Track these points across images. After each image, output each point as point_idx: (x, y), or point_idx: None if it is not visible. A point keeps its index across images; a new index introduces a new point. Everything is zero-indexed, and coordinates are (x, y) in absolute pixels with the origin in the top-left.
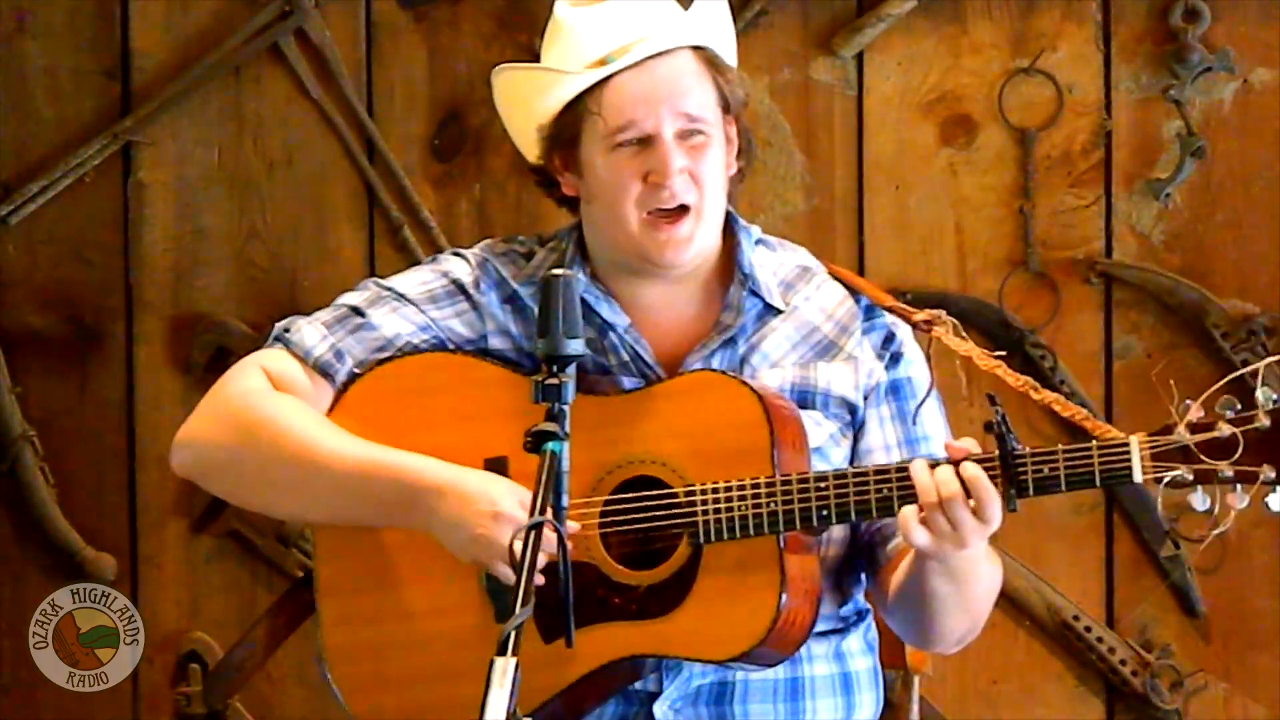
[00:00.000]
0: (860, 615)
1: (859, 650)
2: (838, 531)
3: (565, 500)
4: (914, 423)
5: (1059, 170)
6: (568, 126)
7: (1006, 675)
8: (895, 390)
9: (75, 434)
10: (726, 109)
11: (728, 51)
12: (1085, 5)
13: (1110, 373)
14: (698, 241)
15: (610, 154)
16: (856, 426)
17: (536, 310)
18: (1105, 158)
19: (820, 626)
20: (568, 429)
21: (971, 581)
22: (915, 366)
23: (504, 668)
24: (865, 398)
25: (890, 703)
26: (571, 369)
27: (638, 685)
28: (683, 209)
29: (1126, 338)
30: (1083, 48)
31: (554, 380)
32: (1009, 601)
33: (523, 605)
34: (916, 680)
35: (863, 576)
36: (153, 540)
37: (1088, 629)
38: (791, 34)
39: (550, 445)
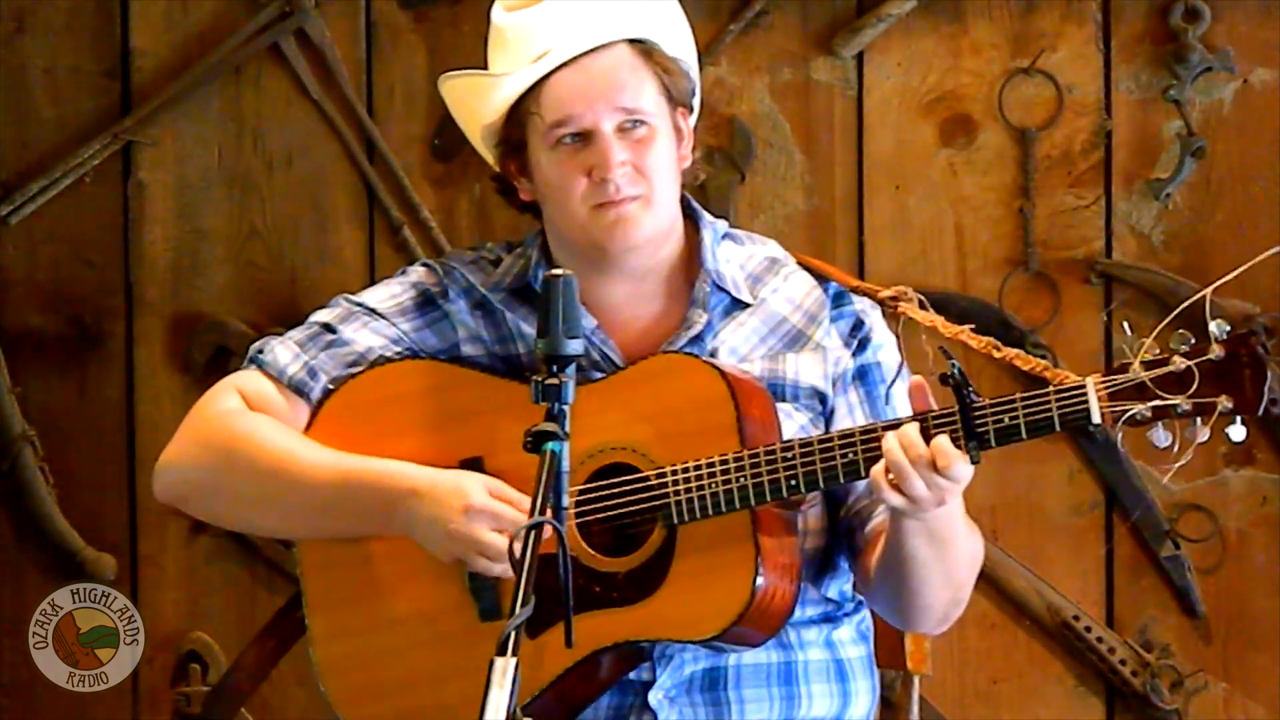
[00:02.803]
0: (856, 605)
1: (850, 639)
2: (817, 521)
3: (566, 500)
4: (886, 403)
5: (1059, 170)
6: (514, 130)
7: (1006, 675)
8: (863, 375)
9: (75, 434)
10: (672, 100)
11: (674, 42)
12: (1085, 5)
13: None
14: (647, 225)
15: (552, 151)
16: (827, 415)
17: (505, 314)
18: (1105, 158)
19: (809, 612)
20: (568, 429)
21: (951, 544)
22: (885, 350)
23: (504, 668)
24: (833, 385)
25: (890, 703)
26: (571, 369)
27: (631, 675)
28: (629, 199)
29: (1126, 337)
30: (1083, 48)
31: (554, 380)
32: (1009, 601)
33: (523, 605)
34: (916, 680)
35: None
36: (153, 540)
37: (1088, 629)
38: (791, 34)
39: (550, 445)
